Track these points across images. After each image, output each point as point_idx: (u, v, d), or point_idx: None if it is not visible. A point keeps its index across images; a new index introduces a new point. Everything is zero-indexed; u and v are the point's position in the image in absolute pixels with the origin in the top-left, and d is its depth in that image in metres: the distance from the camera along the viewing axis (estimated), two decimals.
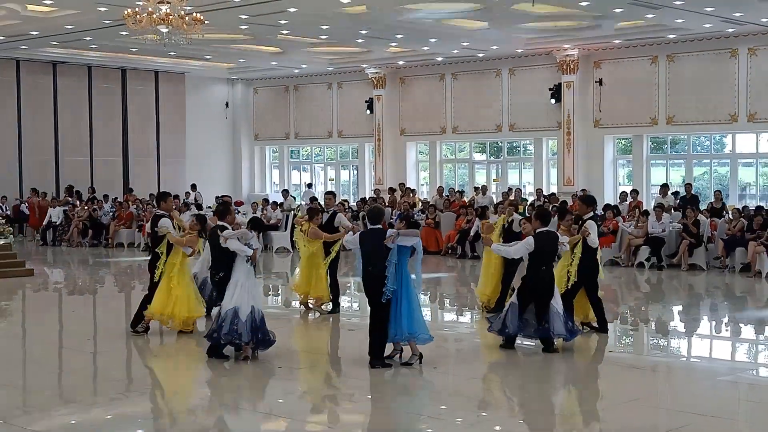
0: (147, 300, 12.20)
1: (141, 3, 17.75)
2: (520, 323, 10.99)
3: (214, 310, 11.53)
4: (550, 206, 22.59)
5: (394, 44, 25.79)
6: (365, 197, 28.70)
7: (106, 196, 28.73)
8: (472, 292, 15.23)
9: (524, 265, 11.53)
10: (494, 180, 29.56)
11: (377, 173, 30.74)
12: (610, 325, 12.39)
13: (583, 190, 24.30)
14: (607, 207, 21.78)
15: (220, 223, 11.13)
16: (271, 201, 27.52)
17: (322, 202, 16.25)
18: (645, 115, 25.54)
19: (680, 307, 15.94)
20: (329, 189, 32.00)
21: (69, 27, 23.05)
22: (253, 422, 8.55)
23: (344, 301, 14.84)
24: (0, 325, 14.37)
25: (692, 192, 22.70)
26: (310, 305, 14.10)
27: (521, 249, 11.04)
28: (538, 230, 11.10)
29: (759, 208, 20.66)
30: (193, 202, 27.18)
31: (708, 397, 9.29)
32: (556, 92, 26.65)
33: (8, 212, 27.76)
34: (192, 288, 12.27)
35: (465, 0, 20.43)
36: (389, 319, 10.12)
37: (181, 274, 12.07)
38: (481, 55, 27.58)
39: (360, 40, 25.14)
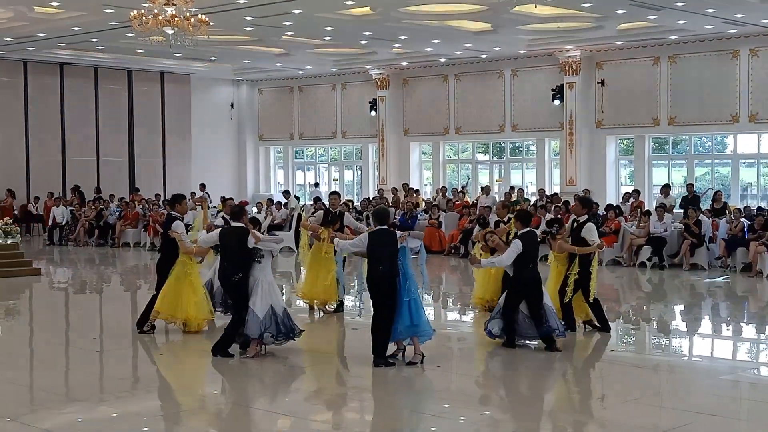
0: (154, 300, 12.30)
1: (147, 5, 17.85)
2: (516, 325, 11.10)
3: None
4: (554, 206, 22.71)
5: (397, 45, 25.88)
6: (369, 197, 28.79)
7: (112, 196, 28.85)
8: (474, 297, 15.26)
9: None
10: (497, 180, 29.62)
11: (381, 173, 30.82)
12: (611, 325, 12.47)
13: (585, 191, 24.38)
14: (609, 207, 21.86)
15: (236, 224, 11.09)
16: (275, 201, 27.61)
17: (327, 203, 16.28)
18: (647, 116, 25.60)
19: (682, 307, 16.02)
20: (333, 189, 32.23)
21: (76, 28, 23.16)
22: (258, 421, 8.63)
23: (347, 300, 14.92)
24: (7, 324, 14.47)
25: (694, 192, 22.76)
26: (315, 305, 14.18)
27: (512, 254, 11.06)
28: (521, 232, 11.23)
29: (760, 209, 20.74)
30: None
31: (709, 396, 9.34)
32: (559, 93, 26.71)
33: (15, 212, 27.86)
34: (202, 291, 12.33)
35: (468, 2, 20.51)
36: (393, 318, 10.22)
37: (192, 276, 12.16)
38: (484, 56, 27.65)
39: (364, 42, 25.23)
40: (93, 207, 27.41)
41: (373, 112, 30.79)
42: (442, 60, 28.41)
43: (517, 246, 11.03)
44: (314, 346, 12.11)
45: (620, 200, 24.18)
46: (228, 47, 26.74)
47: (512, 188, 26.65)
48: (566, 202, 22.41)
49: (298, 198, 30.19)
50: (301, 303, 14.67)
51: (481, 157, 30.64)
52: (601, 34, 23.92)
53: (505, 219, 13.92)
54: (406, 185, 28.58)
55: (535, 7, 20.04)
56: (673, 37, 24.23)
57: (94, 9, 20.62)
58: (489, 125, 28.71)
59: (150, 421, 8.56)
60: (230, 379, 10.19)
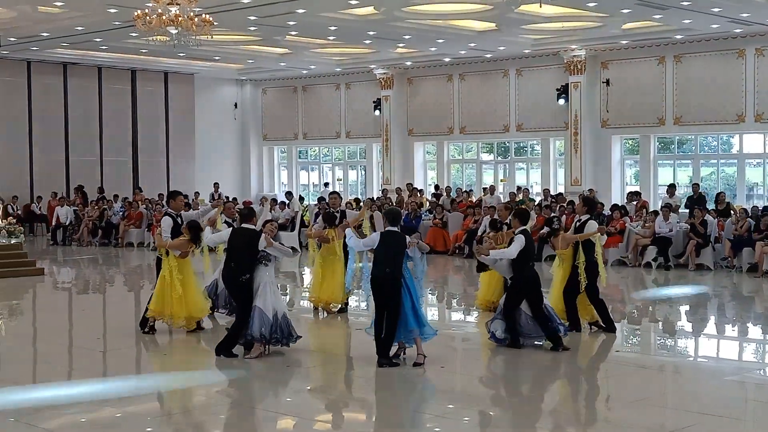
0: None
1: (151, 4, 17.84)
2: (519, 326, 11.06)
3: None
4: (558, 206, 22.66)
5: (401, 45, 25.86)
6: (373, 197, 28.76)
7: (116, 196, 28.87)
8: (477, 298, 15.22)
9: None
10: (501, 180, 29.59)
11: (385, 173, 30.80)
12: (617, 325, 12.43)
13: (590, 190, 24.33)
14: (614, 207, 21.80)
15: (246, 226, 11.07)
16: (279, 201, 27.60)
17: (343, 203, 16.27)
18: (652, 116, 25.55)
19: (687, 307, 15.96)
20: (337, 189, 32.22)
21: (79, 28, 23.18)
22: (262, 421, 8.61)
23: (352, 300, 14.89)
24: (11, 324, 14.46)
25: (699, 192, 22.71)
26: (321, 306, 14.14)
27: (516, 247, 11.06)
28: (519, 229, 11.21)
29: (766, 209, 20.66)
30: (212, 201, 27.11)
31: (715, 396, 9.31)
32: (564, 93, 26.67)
33: (19, 212, 27.90)
34: (195, 288, 12.29)
35: (472, 1, 20.49)
36: (397, 318, 10.17)
37: (181, 273, 12.12)
38: (488, 55, 27.61)
39: (368, 41, 25.21)
40: (96, 207, 27.43)
41: (377, 112, 30.76)
42: (447, 60, 28.38)
43: (520, 240, 11.04)
44: (318, 346, 12.09)
45: (625, 200, 24.12)
46: (232, 47, 26.75)
47: (518, 188, 26.63)
48: (571, 202, 22.35)
49: (302, 198, 30.16)
50: (305, 303, 14.64)
51: (485, 157, 30.60)
52: (607, 34, 23.88)
53: (508, 220, 13.86)
54: (410, 185, 28.55)
55: (540, 7, 20.01)
56: (678, 37, 24.17)
57: (97, 9, 20.63)
58: (493, 125, 28.68)
59: (153, 421, 8.53)
60: (234, 379, 10.17)
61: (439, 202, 25.39)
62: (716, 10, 20.44)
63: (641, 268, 20.10)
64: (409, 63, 29.19)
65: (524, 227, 11.26)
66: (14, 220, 20.97)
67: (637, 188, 25.16)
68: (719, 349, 12.63)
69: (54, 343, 12.45)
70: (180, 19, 17.65)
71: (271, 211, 25.53)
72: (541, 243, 19.75)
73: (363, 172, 33.30)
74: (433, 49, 26.54)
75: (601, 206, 21.03)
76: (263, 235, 10.76)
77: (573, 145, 26.63)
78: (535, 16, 21.63)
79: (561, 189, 26.85)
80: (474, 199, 26.51)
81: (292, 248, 23.60)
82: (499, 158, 30.26)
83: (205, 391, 9.89)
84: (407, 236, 10.50)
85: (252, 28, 23.12)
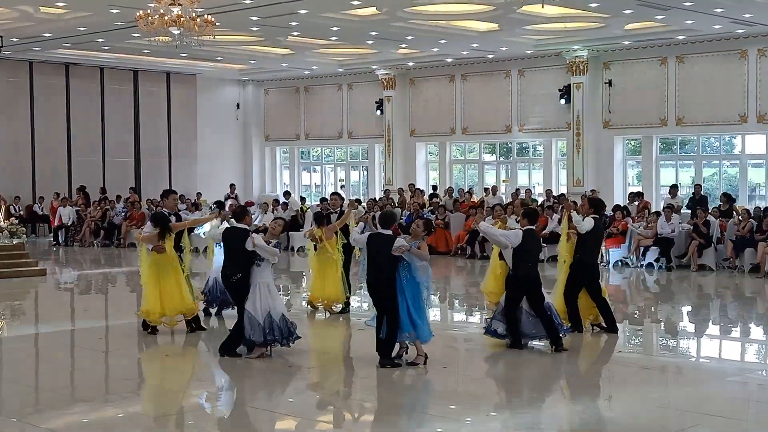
0: None
1: (153, 5, 17.85)
2: (520, 324, 11.06)
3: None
4: (560, 206, 22.65)
5: (404, 46, 25.85)
6: (375, 197, 28.77)
7: (118, 197, 28.89)
8: (482, 293, 15.21)
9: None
10: (504, 181, 29.58)
11: (387, 174, 30.79)
12: (619, 326, 12.41)
13: (592, 191, 24.31)
14: (616, 208, 21.79)
15: (239, 225, 11.10)
16: (281, 201, 27.63)
17: (345, 203, 16.28)
18: (654, 116, 25.52)
19: (689, 308, 15.95)
20: (339, 189, 32.23)
21: (81, 29, 23.19)
22: (264, 421, 8.60)
23: (354, 301, 14.89)
24: (13, 324, 14.46)
25: (701, 193, 22.69)
26: (319, 305, 14.14)
27: (512, 237, 11.08)
28: (525, 228, 11.20)
29: None
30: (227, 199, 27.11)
31: (717, 397, 9.30)
32: (566, 93, 26.65)
33: (21, 212, 27.92)
34: (181, 282, 12.23)
35: (474, 2, 20.48)
36: (397, 319, 10.15)
37: (162, 270, 12.10)
38: (490, 56, 27.60)
39: (370, 42, 25.21)
40: (98, 207, 27.44)
41: (379, 113, 30.76)
42: (449, 60, 28.37)
43: (518, 235, 11.05)
44: (320, 346, 12.09)
45: (627, 201, 24.11)
46: (234, 47, 26.75)
47: (517, 190, 26.62)
48: (573, 203, 22.31)
49: (303, 198, 30.16)
50: (305, 304, 14.62)
51: (487, 157, 30.58)
52: (609, 34, 23.87)
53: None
54: (412, 186, 28.55)
55: (542, 7, 20.00)
56: (680, 37, 24.15)
57: (99, 9, 20.64)
58: (496, 125, 28.66)
59: (155, 421, 8.54)
60: (235, 379, 10.17)
61: (441, 203, 25.39)
62: (718, 10, 20.43)
63: (643, 268, 20.09)
64: (411, 63, 29.19)
65: (530, 227, 11.24)
66: (16, 221, 20.99)
67: (639, 189, 25.14)
68: (721, 350, 12.62)
69: (56, 344, 12.46)
70: (182, 19, 17.65)
71: (273, 212, 25.60)
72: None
73: (365, 173, 33.29)
74: (435, 49, 26.53)
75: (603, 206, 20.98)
76: (251, 235, 10.77)
77: (575, 145, 26.61)
78: (538, 17, 21.62)
79: (563, 190, 26.82)
80: (476, 199, 26.50)
81: (298, 249, 23.62)
82: (501, 159, 30.25)
83: (207, 391, 9.89)
84: (401, 239, 10.24)
85: (254, 29, 23.12)
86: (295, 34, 23.94)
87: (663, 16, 21.29)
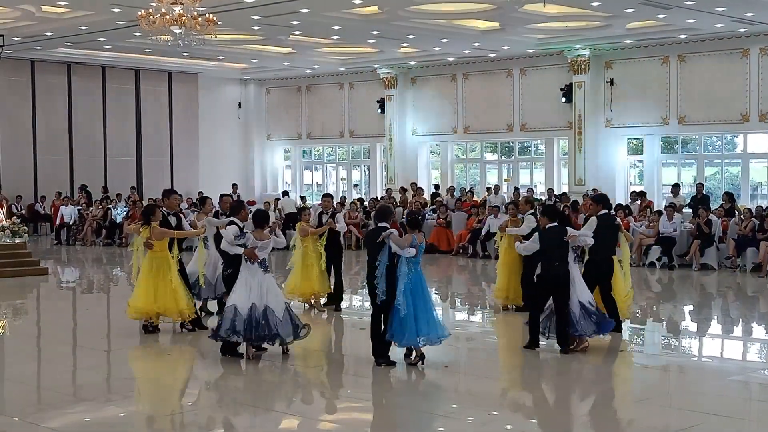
0: None
1: (154, 4, 17.86)
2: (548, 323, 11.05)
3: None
4: (563, 206, 22.64)
5: (405, 44, 25.84)
6: (377, 197, 28.77)
7: (119, 195, 28.90)
8: (484, 292, 15.26)
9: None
10: (505, 180, 29.57)
11: (388, 173, 30.79)
12: (621, 325, 12.40)
13: (594, 190, 24.29)
14: (618, 207, 21.77)
15: (231, 219, 11.26)
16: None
17: (347, 204, 16.39)
18: (656, 115, 25.51)
19: (691, 307, 15.94)
20: (342, 189, 32.24)
21: (83, 28, 23.19)
22: (265, 421, 8.60)
23: (355, 300, 14.89)
24: (15, 323, 14.47)
25: (703, 192, 22.67)
26: (311, 301, 14.16)
27: (530, 245, 11.24)
28: (547, 226, 11.15)
29: None
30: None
31: (719, 396, 9.29)
32: (568, 92, 26.64)
33: (23, 212, 27.93)
34: (175, 284, 12.17)
35: (476, 1, 20.48)
36: (393, 317, 10.09)
37: (157, 270, 12.08)
38: (492, 55, 27.59)
39: (371, 41, 25.20)
40: (100, 206, 27.45)
41: (380, 112, 30.75)
42: (450, 59, 28.37)
43: (536, 239, 11.14)
44: (320, 346, 12.08)
45: (628, 200, 24.09)
46: (236, 46, 26.75)
47: (516, 189, 26.62)
48: (575, 202, 22.33)
49: (303, 198, 30.16)
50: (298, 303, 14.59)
51: (489, 156, 30.57)
52: (610, 33, 23.86)
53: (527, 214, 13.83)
54: (414, 185, 28.55)
55: (544, 6, 19.99)
56: (682, 36, 24.14)
57: (101, 8, 20.64)
58: (497, 125, 28.65)
59: (157, 421, 8.54)
60: (236, 378, 10.17)
61: (443, 202, 25.38)
62: (720, 9, 20.41)
63: (645, 267, 20.08)
64: (412, 62, 29.19)
65: (550, 224, 11.10)
66: (18, 220, 20.99)
67: (641, 188, 25.12)
68: (723, 349, 12.61)
69: (58, 343, 12.46)
70: (183, 18, 17.65)
71: (274, 211, 25.64)
72: None
73: (367, 172, 33.29)
74: (436, 48, 26.53)
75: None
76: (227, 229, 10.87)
77: (577, 144, 26.60)
78: (539, 16, 21.61)
79: (565, 189, 26.82)
80: (477, 198, 26.49)
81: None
82: (503, 158, 30.24)
83: (208, 391, 9.89)
84: (391, 230, 10.14)
85: (256, 28, 23.12)
86: (297, 33, 23.94)
87: (665, 15, 21.28)
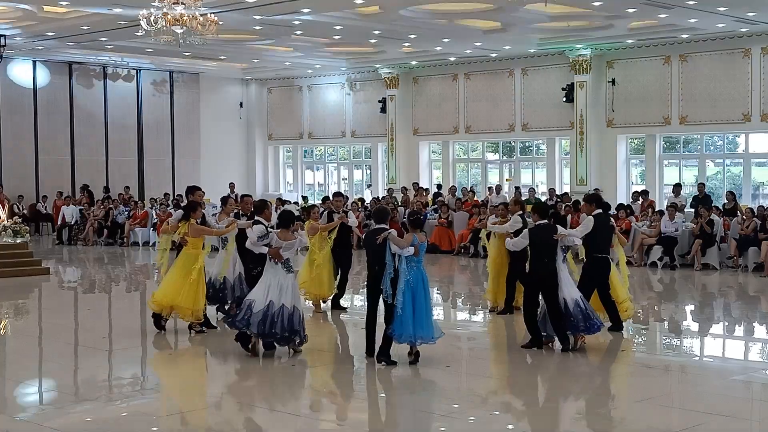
0: None
1: (156, 4, 17.86)
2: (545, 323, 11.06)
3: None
4: (564, 206, 22.66)
5: (407, 44, 25.84)
6: (379, 196, 28.76)
7: (120, 195, 28.89)
8: (485, 292, 15.20)
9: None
10: (507, 180, 29.57)
11: (390, 173, 30.79)
12: (622, 324, 12.40)
13: (595, 190, 24.28)
14: (620, 206, 21.76)
15: (256, 218, 11.37)
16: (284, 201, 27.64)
17: (349, 203, 16.35)
18: (658, 115, 25.49)
19: (693, 307, 15.94)
20: (342, 188, 32.23)
21: (85, 28, 23.20)
22: (267, 420, 8.61)
23: (358, 300, 14.89)
24: (16, 324, 14.48)
25: (705, 191, 22.66)
26: (316, 300, 14.17)
27: (519, 241, 11.35)
28: (537, 223, 11.20)
29: None
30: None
31: (721, 396, 9.29)
32: (569, 92, 26.63)
33: (24, 211, 27.95)
34: (199, 284, 12.19)
35: (478, 0, 20.46)
36: (392, 317, 10.10)
37: (188, 265, 12.07)
38: (493, 55, 27.59)
39: (373, 40, 25.19)
40: (102, 206, 27.47)
41: (382, 112, 30.74)
42: (452, 59, 28.36)
43: (524, 235, 11.18)
44: (322, 345, 12.08)
45: (630, 200, 24.08)
46: (237, 46, 26.74)
47: (517, 188, 26.59)
48: (576, 202, 22.32)
49: (305, 198, 30.15)
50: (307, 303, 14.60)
51: (491, 156, 30.57)
52: (612, 33, 23.84)
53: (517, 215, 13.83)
54: (416, 184, 28.55)
55: (546, 6, 19.97)
56: (684, 36, 24.13)
57: (103, 8, 20.61)
58: (499, 124, 28.65)
59: (159, 421, 8.54)
60: (238, 378, 10.17)
61: (445, 202, 25.39)
62: (722, 9, 20.39)
63: (646, 267, 20.07)
64: (414, 62, 29.18)
65: (541, 222, 11.16)
66: (20, 220, 20.99)
67: (642, 188, 25.11)
68: (725, 349, 12.61)
69: (59, 343, 12.47)
70: (185, 18, 17.65)
71: (276, 210, 25.61)
72: None
73: (368, 172, 33.29)
74: (438, 48, 26.52)
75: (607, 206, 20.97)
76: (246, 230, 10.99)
77: (578, 144, 26.59)
78: (541, 16, 21.60)
79: (566, 188, 26.81)
80: (479, 198, 26.49)
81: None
82: (505, 158, 30.23)
83: (210, 390, 9.90)
84: (390, 231, 10.18)
85: (257, 28, 23.11)
86: (298, 33, 23.93)
87: (666, 15, 21.26)
